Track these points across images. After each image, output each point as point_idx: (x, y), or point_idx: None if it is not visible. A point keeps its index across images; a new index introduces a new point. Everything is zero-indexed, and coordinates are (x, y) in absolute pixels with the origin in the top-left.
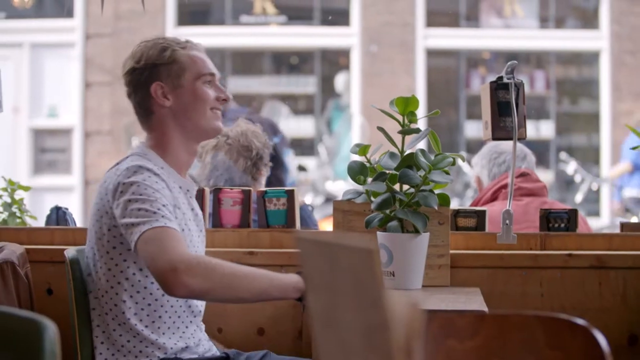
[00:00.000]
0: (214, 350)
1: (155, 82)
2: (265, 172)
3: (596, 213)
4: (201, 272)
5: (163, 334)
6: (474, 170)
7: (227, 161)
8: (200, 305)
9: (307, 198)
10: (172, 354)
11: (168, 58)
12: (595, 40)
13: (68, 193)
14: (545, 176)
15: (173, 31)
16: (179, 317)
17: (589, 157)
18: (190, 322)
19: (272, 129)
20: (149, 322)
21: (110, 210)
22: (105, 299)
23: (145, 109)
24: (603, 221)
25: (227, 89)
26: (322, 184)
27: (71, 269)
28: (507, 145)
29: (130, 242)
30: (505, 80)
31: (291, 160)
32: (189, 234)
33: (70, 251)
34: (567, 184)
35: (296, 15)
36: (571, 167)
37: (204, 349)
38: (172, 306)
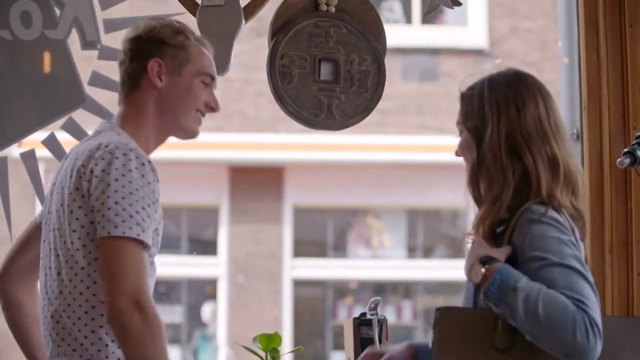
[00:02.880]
0: None
1: (155, 58)
2: None
3: None
4: (149, 321)
5: None
6: None
7: None
8: None
9: None
10: None
11: (179, 42)
12: (463, 269)
13: None
14: None
15: None
16: None
17: None
18: None
19: None
20: None
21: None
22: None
23: (133, 80)
24: None
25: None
26: None
27: None
28: None
29: (97, 231)
30: (368, 316)
31: None
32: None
33: None
34: None
35: (163, 244)
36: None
37: None
38: None
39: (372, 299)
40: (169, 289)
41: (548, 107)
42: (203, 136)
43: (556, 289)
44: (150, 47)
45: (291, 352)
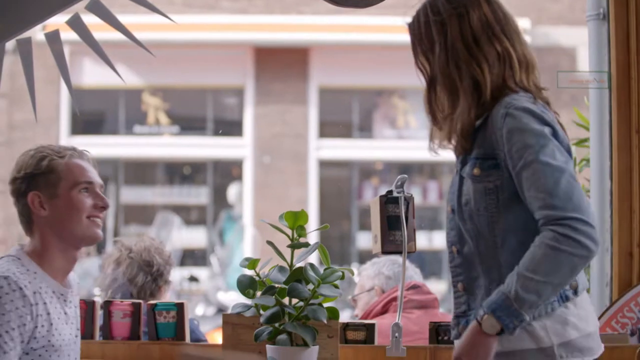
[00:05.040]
0: None
1: (32, 192)
2: (165, 289)
3: None
4: None
5: None
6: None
7: (127, 275)
8: None
9: (198, 309)
10: None
11: (45, 167)
12: None
13: None
14: (438, 286)
15: (67, 140)
16: None
17: None
18: None
19: None
20: None
21: None
22: None
23: (26, 217)
24: None
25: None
26: (214, 294)
27: None
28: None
29: None
30: (395, 194)
31: None
32: (59, 337)
33: None
34: None
35: (189, 126)
36: None
37: None
38: None
39: (399, 177)
40: (194, 171)
41: (492, 4)
42: (228, 18)
43: (538, 192)
44: (25, 183)
45: (317, 229)
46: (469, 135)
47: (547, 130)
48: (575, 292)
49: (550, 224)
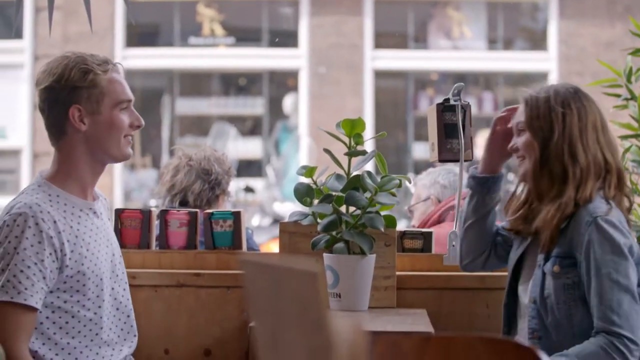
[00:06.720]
0: None
1: (74, 105)
2: (223, 199)
3: None
4: None
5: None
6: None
7: (185, 182)
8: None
9: (254, 219)
10: None
11: (89, 82)
12: (543, 61)
13: None
14: None
15: (122, 52)
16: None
17: None
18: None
19: None
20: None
21: None
22: None
23: (58, 129)
24: None
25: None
26: (269, 205)
27: None
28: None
29: None
30: (451, 102)
31: None
32: (92, 257)
33: None
34: None
35: (244, 37)
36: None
37: None
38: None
39: (456, 85)
40: (249, 81)
41: (603, 118)
42: None
43: (601, 304)
44: (65, 94)
45: (374, 137)
46: (557, 235)
47: (625, 246)
48: None
49: (606, 333)
